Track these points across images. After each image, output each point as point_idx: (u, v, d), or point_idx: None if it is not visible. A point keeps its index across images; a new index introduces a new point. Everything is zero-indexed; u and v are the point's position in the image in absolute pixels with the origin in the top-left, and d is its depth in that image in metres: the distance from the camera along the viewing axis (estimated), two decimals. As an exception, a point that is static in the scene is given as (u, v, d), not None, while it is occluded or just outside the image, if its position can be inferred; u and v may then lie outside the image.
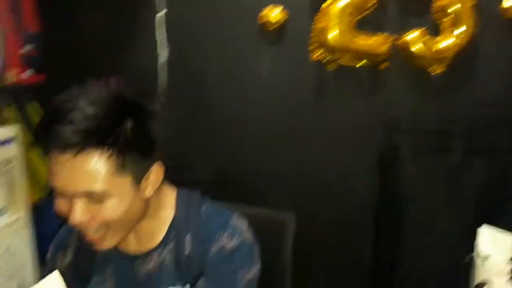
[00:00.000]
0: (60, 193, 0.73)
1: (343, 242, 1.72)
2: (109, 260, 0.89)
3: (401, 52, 1.52)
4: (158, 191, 0.83)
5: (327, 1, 1.46)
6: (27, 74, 2.32)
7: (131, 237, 0.87)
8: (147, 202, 0.81)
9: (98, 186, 0.71)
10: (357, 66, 1.53)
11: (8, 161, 1.92)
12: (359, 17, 1.48)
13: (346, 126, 1.65)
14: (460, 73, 1.52)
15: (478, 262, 0.91)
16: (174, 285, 0.85)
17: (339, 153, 1.67)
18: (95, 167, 0.70)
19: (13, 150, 1.94)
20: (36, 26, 2.36)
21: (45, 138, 0.71)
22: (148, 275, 0.87)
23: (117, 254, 0.88)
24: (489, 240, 0.99)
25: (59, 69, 1.74)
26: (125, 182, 0.74)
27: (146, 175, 0.77)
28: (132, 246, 0.88)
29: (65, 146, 0.69)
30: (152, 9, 1.57)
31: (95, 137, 0.69)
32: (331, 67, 1.54)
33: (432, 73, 1.49)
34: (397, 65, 1.54)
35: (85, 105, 0.70)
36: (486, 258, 0.93)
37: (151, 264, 0.86)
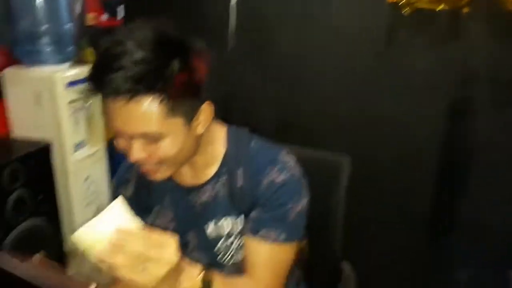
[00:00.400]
0: (119, 134, 0.78)
1: (401, 189, 1.69)
2: (167, 192, 0.95)
3: (485, -5, 1.41)
4: (209, 128, 0.85)
5: None
6: (104, 18, 2.45)
7: (186, 171, 0.91)
8: (198, 139, 0.84)
9: (152, 128, 0.74)
10: (437, 9, 1.44)
11: (88, 97, 2.07)
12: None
13: (418, 74, 1.57)
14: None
15: None
16: (229, 215, 0.90)
17: (407, 101, 1.61)
18: (148, 111, 0.73)
19: (92, 88, 2.08)
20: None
21: (98, 86, 0.73)
22: (203, 205, 0.92)
23: (174, 187, 0.93)
24: None
25: (136, 13, 1.80)
26: (177, 123, 0.77)
27: (197, 115, 0.80)
28: (188, 179, 0.93)
29: (118, 93, 0.71)
30: None
31: (145, 83, 0.71)
32: (406, 11, 1.46)
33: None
34: (480, 9, 1.43)
35: (133, 49, 0.71)
36: None
37: (205, 195, 0.92)
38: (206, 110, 0.81)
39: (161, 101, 0.73)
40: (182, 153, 0.81)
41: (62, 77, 1.88)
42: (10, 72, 1.89)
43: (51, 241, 1.87)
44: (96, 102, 2.13)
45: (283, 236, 0.86)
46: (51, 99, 1.87)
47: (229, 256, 0.92)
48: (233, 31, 1.64)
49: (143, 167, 0.82)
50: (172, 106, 0.74)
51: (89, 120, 2.12)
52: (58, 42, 1.94)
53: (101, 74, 0.72)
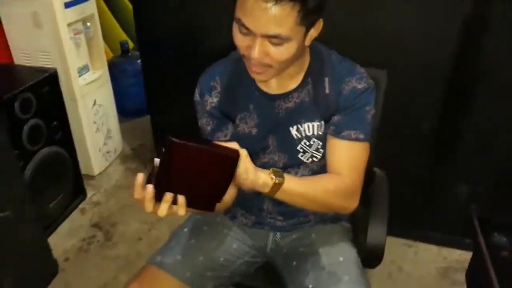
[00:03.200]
0: (248, 32, 0.85)
1: (409, 106, 1.72)
2: (252, 100, 1.02)
3: None
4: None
5: None
6: None
7: (273, 80, 0.99)
8: (303, 50, 0.94)
9: (285, 31, 0.83)
10: None
11: (85, 19, 1.97)
12: None
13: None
14: None
15: None
16: (313, 120, 1.00)
17: (422, 18, 1.57)
18: (288, 15, 0.82)
19: (90, 9, 1.97)
20: None
21: None
22: (288, 111, 1.01)
23: (259, 95, 1.02)
24: None
25: None
26: (301, 31, 0.86)
27: (313, 28, 0.89)
28: (273, 88, 1.01)
29: None
30: None
31: None
32: None
33: None
34: None
35: None
36: None
37: (291, 102, 1.01)
38: (319, 25, 0.91)
39: (299, 10, 0.82)
40: (292, 58, 0.90)
41: (59, -3, 1.78)
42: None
43: (67, 167, 1.92)
44: (95, 24, 2.05)
45: (362, 135, 0.97)
46: (50, 21, 1.79)
47: (309, 155, 1.02)
48: None
49: (254, 66, 0.90)
50: (304, 15, 0.83)
51: (90, 43, 2.05)
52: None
53: None
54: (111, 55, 2.60)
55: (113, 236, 1.86)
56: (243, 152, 0.81)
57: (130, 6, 2.58)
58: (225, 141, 1.00)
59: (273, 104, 1.01)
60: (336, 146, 0.99)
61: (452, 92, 1.67)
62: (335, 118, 0.99)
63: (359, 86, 0.98)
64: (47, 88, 1.76)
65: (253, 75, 0.93)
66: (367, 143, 0.99)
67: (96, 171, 2.20)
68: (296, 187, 0.89)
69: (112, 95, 2.22)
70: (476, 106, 1.65)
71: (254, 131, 1.03)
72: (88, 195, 2.08)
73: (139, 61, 2.44)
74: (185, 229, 1.11)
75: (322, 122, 1.00)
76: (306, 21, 0.85)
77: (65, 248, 1.78)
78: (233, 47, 0.95)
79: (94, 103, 2.09)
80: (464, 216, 1.74)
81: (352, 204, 0.98)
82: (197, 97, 1.06)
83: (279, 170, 0.87)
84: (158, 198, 0.74)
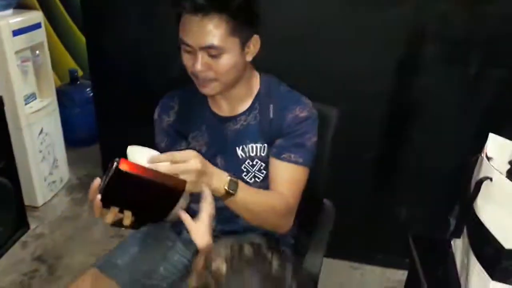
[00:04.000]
0: (189, 48, 0.94)
1: (351, 136, 1.83)
2: (205, 120, 1.10)
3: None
4: (249, 67, 1.05)
5: None
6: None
7: (224, 103, 1.08)
8: (245, 67, 1.02)
9: (217, 41, 0.92)
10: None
11: (34, 48, 1.95)
12: None
13: (372, 30, 1.65)
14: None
15: (483, 162, 1.02)
16: (256, 142, 1.08)
17: (359, 55, 1.70)
18: (217, 27, 0.91)
19: (39, 36, 1.95)
20: None
21: (180, 2, 0.91)
22: (236, 132, 1.09)
23: (211, 116, 1.10)
24: (494, 145, 1.11)
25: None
26: (235, 42, 0.95)
27: (249, 42, 0.98)
28: (225, 110, 1.09)
29: (196, 9, 0.90)
30: None
31: (218, 3, 0.90)
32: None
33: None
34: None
35: None
36: (489, 159, 1.05)
37: (238, 124, 1.09)
38: (256, 41, 1.00)
39: (227, 21, 0.91)
40: (233, 72, 0.98)
41: (6, 24, 1.75)
42: None
43: (10, 197, 1.84)
44: (44, 52, 2.03)
45: (300, 160, 1.04)
46: (-4, 50, 1.75)
47: (252, 175, 1.09)
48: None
49: (199, 80, 0.98)
50: (234, 27, 0.92)
51: (38, 71, 2.02)
52: (-1, -14, 1.78)
53: None
54: (59, 83, 2.56)
55: (57, 269, 1.79)
56: (197, 158, 0.85)
57: (80, 34, 2.57)
58: None
59: (222, 126, 1.09)
60: (277, 167, 1.05)
61: (390, 123, 1.81)
62: (277, 142, 1.06)
63: (302, 115, 1.06)
64: (-10, 117, 1.70)
65: (202, 90, 1.01)
66: (306, 168, 1.06)
67: (40, 201, 2.12)
68: (247, 198, 0.94)
69: (59, 123, 2.18)
70: (412, 136, 1.80)
71: (204, 149, 1.10)
72: (31, 227, 1.99)
73: (88, 89, 2.42)
74: (131, 239, 1.15)
75: (265, 145, 1.08)
76: (238, 33, 0.94)
77: (2, 286, 1.69)
78: (184, 75, 1.03)
79: (41, 132, 2.04)
80: (403, 237, 1.86)
81: (288, 223, 1.04)
82: (155, 115, 1.14)
83: (236, 180, 0.92)
84: (106, 206, 0.78)
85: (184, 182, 0.80)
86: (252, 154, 1.09)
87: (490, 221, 0.94)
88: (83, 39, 2.60)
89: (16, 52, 1.83)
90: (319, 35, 1.68)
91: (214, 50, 0.93)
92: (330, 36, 1.67)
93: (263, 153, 1.08)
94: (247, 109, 1.09)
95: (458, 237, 1.10)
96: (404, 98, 1.78)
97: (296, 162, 1.04)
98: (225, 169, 1.06)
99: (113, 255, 1.09)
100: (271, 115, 1.07)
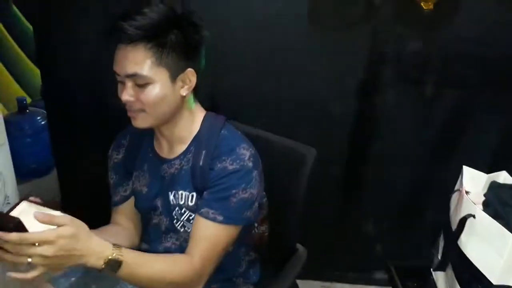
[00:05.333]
0: (119, 77, 0.93)
1: (321, 159, 1.87)
2: (147, 160, 1.08)
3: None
4: (190, 107, 1.01)
5: None
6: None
7: (165, 144, 1.05)
8: (180, 103, 0.98)
9: (141, 70, 0.90)
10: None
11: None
12: None
13: (335, 53, 1.70)
14: (446, 11, 1.60)
15: (463, 199, 1.07)
16: (185, 189, 1.02)
17: (324, 78, 1.74)
18: (141, 55, 0.90)
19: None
20: None
21: (111, 32, 0.90)
22: (170, 176, 1.04)
23: (153, 156, 1.07)
24: (468, 177, 1.16)
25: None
26: (163, 73, 0.92)
27: (182, 75, 0.95)
28: (164, 151, 1.06)
29: (123, 37, 0.89)
30: None
31: (143, 32, 0.89)
32: (329, -4, 1.56)
33: (425, 8, 1.55)
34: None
35: (148, 11, 0.91)
36: (467, 193, 1.10)
37: (173, 168, 1.04)
38: (190, 75, 0.96)
39: (154, 51, 0.90)
40: (162, 105, 0.94)
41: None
42: None
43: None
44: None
45: (220, 217, 0.96)
46: None
47: (181, 224, 1.04)
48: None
49: (130, 113, 0.96)
50: (161, 56, 0.91)
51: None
52: None
53: (117, 22, 0.89)
54: (6, 112, 2.39)
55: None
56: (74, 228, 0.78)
57: (27, 60, 2.43)
58: (125, 196, 1.11)
59: (161, 167, 1.06)
60: (196, 222, 0.98)
61: (355, 142, 1.86)
62: (204, 194, 0.99)
63: (230, 167, 0.97)
64: None
65: (133, 123, 0.98)
66: (228, 226, 0.97)
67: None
68: (134, 274, 0.88)
69: (9, 157, 2.02)
70: (374, 153, 1.87)
71: (145, 190, 1.08)
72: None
73: (39, 117, 2.28)
74: (72, 279, 1.08)
75: (194, 194, 1.01)
76: (166, 64, 0.92)
77: None
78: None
79: (-10, 170, 1.89)
80: (371, 252, 1.91)
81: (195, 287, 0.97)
82: (109, 152, 1.14)
83: (117, 259, 0.84)
84: None
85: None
86: (180, 202, 1.03)
87: (476, 257, 0.98)
88: (31, 65, 2.47)
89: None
90: (280, 59, 1.71)
91: (139, 79, 0.91)
92: (292, 60, 1.71)
93: (191, 202, 1.02)
94: (182, 152, 1.03)
95: (443, 270, 1.13)
96: (365, 118, 1.84)
97: (214, 220, 0.95)
98: (163, 213, 1.06)
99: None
100: (201, 163, 0.99)
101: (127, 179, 1.11)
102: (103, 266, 0.82)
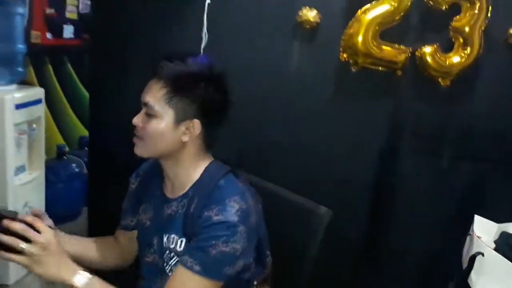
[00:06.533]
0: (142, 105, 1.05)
1: (338, 222, 1.91)
2: (154, 196, 1.15)
3: (416, 62, 1.72)
4: (197, 154, 1.07)
5: (360, 9, 1.64)
6: (48, 37, 2.37)
7: (169, 183, 1.11)
8: (180, 147, 1.04)
9: (152, 101, 1.02)
10: (378, 69, 1.72)
11: (32, 121, 1.98)
12: (385, 27, 1.67)
13: (357, 122, 1.83)
14: (462, 87, 1.75)
15: (474, 240, 1.13)
16: (176, 233, 1.05)
17: (346, 144, 1.86)
18: (158, 90, 1.02)
19: (38, 111, 2.00)
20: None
21: (155, 67, 1.04)
22: (167, 217, 1.08)
23: (160, 193, 1.13)
24: (480, 225, 1.23)
25: (99, 37, 1.83)
26: (170, 113, 1.02)
27: (186, 122, 1.03)
28: (168, 191, 1.12)
29: (155, 72, 1.04)
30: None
31: (172, 76, 1.02)
32: (355, 68, 1.72)
33: (442, 84, 1.70)
34: (410, 74, 1.74)
35: (189, 60, 1.04)
36: (479, 238, 1.16)
37: (171, 209, 1.08)
38: (194, 124, 1.04)
39: (168, 90, 1.01)
40: (159, 140, 1.02)
41: (11, 98, 1.80)
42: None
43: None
44: (40, 127, 2.06)
45: (197, 267, 0.94)
46: (-2, 121, 1.78)
47: (169, 269, 1.06)
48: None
49: (134, 137, 1.07)
50: (171, 98, 1.01)
51: (31, 144, 2.03)
52: (7, 62, 1.85)
53: (161, 60, 1.04)
54: (45, 158, 2.55)
55: None
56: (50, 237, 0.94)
57: (71, 112, 2.64)
58: (131, 226, 1.20)
59: (163, 206, 1.12)
60: (175, 269, 1.00)
61: (372, 208, 1.92)
62: (191, 241, 1.01)
63: (214, 218, 0.97)
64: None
65: (134, 148, 1.08)
66: (204, 279, 0.95)
67: (12, 279, 1.99)
68: None
69: (44, 198, 2.14)
70: (391, 220, 1.91)
71: (148, 223, 1.14)
72: (1, 307, 1.85)
73: (74, 165, 2.42)
74: None
75: (184, 239, 1.03)
76: (174, 106, 1.02)
77: None
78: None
79: (25, 205, 1.99)
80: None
81: None
82: (130, 179, 1.26)
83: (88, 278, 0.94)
84: None
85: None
86: (171, 246, 1.05)
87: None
88: (73, 117, 2.67)
89: (16, 124, 1.86)
90: (305, 119, 1.84)
91: (149, 109, 1.03)
92: (315, 121, 1.83)
93: (179, 247, 1.03)
94: (181, 196, 1.08)
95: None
96: (384, 185, 1.92)
97: (191, 268, 0.95)
98: (157, 252, 1.09)
99: None
100: (192, 209, 1.02)
101: (136, 210, 1.19)
102: (70, 281, 0.93)
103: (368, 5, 1.64)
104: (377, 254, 1.96)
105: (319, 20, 1.71)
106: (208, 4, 1.71)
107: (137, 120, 1.05)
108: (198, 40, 1.71)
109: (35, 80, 2.28)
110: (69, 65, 2.54)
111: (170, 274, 1.03)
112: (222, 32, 1.75)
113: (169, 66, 1.02)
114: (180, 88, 1.01)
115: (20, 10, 1.88)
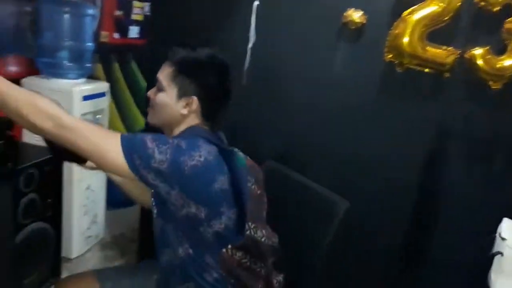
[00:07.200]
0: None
1: (378, 229, 1.90)
2: None
3: (465, 65, 1.68)
4: (192, 121, 1.24)
5: (407, 10, 1.64)
6: (116, 36, 2.60)
7: None
8: (179, 118, 1.22)
9: (161, 77, 1.22)
10: (424, 71, 1.71)
11: (97, 112, 2.19)
12: (432, 28, 1.65)
13: (402, 124, 1.81)
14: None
15: (497, 241, 1.10)
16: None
17: (390, 147, 1.84)
18: (167, 69, 1.22)
19: (103, 104, 2.21)
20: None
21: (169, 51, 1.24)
22: None
23: None
24: (508, 228, 1.19)
25: (158, 36, 1.98)
26: (173, 89, 1.21)
27: (186, 98, 1.21)
28: None
29: (170, 56, 1.23)
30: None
31: (181, 60, 1.21)
32: (400, 69, 1.72)
33: (492, 87, 1.65)
34: (459, 76, 1.70)
35: (199, 49, 1.24)
36: (503, 239, 1.13)
37: None
38: (193, 101, 1.22)
39: (174, 70, 1.21)
40: (163, 110, 1.22)
41: (79, 90, 2.01)
42: (30, 81, 1.99)
43: (50, 245, 1.95)
44: (104, 118, 2.27)
45: (124, 138, 1.09)
46: (68, 110, 1.99)
47: (154, 211, 1.28)
48: (247, 69, 1.85)
49: (148, 106, 1.27)
50: (176, 76, 1.21)
51: (96, 133, 2.24)
52: (78, 58, 2.07)
53: (175, 46, 1.25)
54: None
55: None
56: None
57: (134, 106, 2.86)
58: None
59: None
60: None
61: (416, 213, 1.89)
62: None
63: (175, 140, 1.13)
64: (50, 167, 1.88)
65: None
66: (120, 147, 1.07)
67: (74, 254, 2.22)
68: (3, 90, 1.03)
69: (104, 182, 2.35)
70: (435, 227, 1.87)
71: None
72: (62, 277, 2.07)
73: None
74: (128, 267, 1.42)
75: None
76: (178, 83, 1.21)
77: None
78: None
79: (88, 187, 2.20)
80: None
81: (44, 124, 1.04)
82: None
83: None
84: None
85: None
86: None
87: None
88: (136, 111, 2.89)
89: (82, 114, 2.07)
90: (350, 119, 1.85)
91: (159, 84, 1.22)
92: (360, 122, 1.84)
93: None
94: None
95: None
96: (429, 190, 1.88)
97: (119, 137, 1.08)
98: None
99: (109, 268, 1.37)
100: None
101: None
102: None
103: (414, 6, 1.64)
104: (419, 262, 1.92)
105: (364, 21, 1.73)
106: (257, 5, 1.79)
107: (150, 92, 1.25)
108: (245, 40, 1.80)
109: (102, 75, 2.50)
110: (133, 62, 2.75)
111: (155, 216, 1.24)
112: (269, 33, 1.83)
113: (179, 51, 1.22)
114: (183, 69, 1.20)
115: (91, 11, 2.08)
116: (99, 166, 1.16)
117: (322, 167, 1.85)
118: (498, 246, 1.07)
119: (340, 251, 1.93)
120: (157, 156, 1.06)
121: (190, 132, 1.23)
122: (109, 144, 1.08)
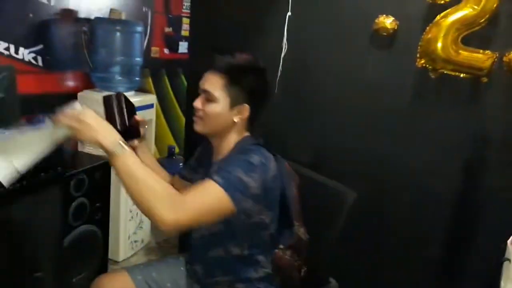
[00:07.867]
0: (199, 90, 1.24)
1: (414, 238, 1.83)
2: (207, 164, 1.34)
3: (503, 69, 1.59)
4: (241, 130, 1.26)
5: (440, 14, 1.59)
6: (166, 52, 2.77)
7: (215, 151, 1.31)
8: (231, 125, 1.24)
9: (213, 90, 1.21)
10: (460, 76, 1.64)
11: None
12: (466, 32, 1.59)
13: (438, 131, 1.73)
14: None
15: (507, 248, 1.04)
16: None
17: (425, 155, 1.77)
18: (217, 80, 1.21)
19: (150, 114, 2.36)
20: (178, 10, 2.78)
21: (213, 60, 1.25)
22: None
23: (209, 161, 1.34)
24: None
25: (200, 50, 2.08)
26: (226, 99, 1.22)
27: (238, 106, 1.23)
28: (215, 157, 1.31)
29: (214, 67, 1.23)
30: (285, 8, 1.83)
31: (228, 70, 1.21)
32: (434, 75, 1.66)
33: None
34: (497, 81, 1.61)
35: (238, 56, 1.26)
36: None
37: (214, 167, 1.25)
38: (244, 109, 1.24)
39: (224, 80, 1.21)
40: (216, 120, 1.23)
41: (128, 103, 2.17)
42: (86, 94, 2.19)
43: (98, 247, 2.09)
44: (151, 128, 2.42)
45: (221, 180, 1.08)
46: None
47: None
48: (280, 78, 1.89)
49: (194, 116, 1.26)
50: (227, 86, 1.21)
51: (143, 142, 2.39)
52: (128, 72, 2.23)
53: (217, 55, 1.26)
54: (158, 156, 2.94)
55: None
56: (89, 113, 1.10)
57: (183, 118, 3.01)
58: (187, 178, 1.43)
59: (209, 168, 1.29)
60: (201, 181, 1.11)
61: (457, 223, 1.79)
62: None
63: (240, 155, 1.17)
64: (100, 174, 2.03)
65: (194, 125, 1.27)
66: (223, 192, 1.06)
67: (121, 257, 2.35)
68: (130, 167, 1.02)
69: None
70: (478, 237, 1.76)
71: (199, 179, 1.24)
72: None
73: (181, 164, 2.76)
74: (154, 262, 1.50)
75: None
76: (230, 93, 1.22)
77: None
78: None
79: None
80: None
81: (166, 215, 0.99)
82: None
83: (124, 146, 1.03)
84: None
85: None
86: None
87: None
88: (184, 120, 3.04)
89: (130, 125, 2.21)
90: (385, 126, 1.81)
91: (208, 95, 1.21)
92: (393, 133, 1.80)
93: None
94: (221, 159, 1.27)
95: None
96: (467, 198, 1.78)
97: (215, 180, 1.08)
98: None
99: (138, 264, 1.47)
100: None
101: (195, 170, 1.42)
102: (110, 147, 1.03)
103: (447, 10, 1.59)
104: (460, 273, 1.82)
105: (396, 27, 1.70)
106: (289, 16, 1.83)
107: (197, 104, 1.25)
108: (279, 49, 1.85)
109: (152, 88, 2.68)
110: (182, 76, 2.91)
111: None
112: (301, 42, 1.86)
113: (220, 59, 1.24)
114: (233, 79, 1.21)
115: (139, 28, 2.25)
116: (213, 218, 1.13)
117: (353, 172, 1.82)
118: (507, 254, 1.01)
119: (377, 260, 1.89)
120: (252, 184, 1.13)
121: (247, 142, 1.26)
122: (214, 193, 1.09)
